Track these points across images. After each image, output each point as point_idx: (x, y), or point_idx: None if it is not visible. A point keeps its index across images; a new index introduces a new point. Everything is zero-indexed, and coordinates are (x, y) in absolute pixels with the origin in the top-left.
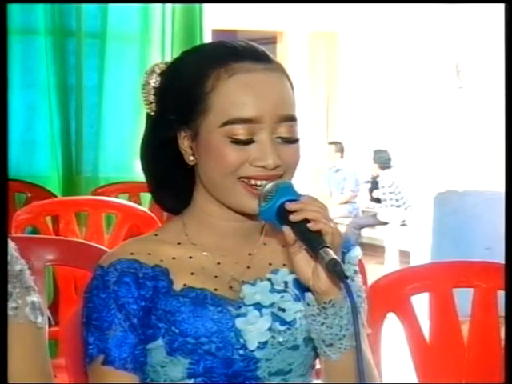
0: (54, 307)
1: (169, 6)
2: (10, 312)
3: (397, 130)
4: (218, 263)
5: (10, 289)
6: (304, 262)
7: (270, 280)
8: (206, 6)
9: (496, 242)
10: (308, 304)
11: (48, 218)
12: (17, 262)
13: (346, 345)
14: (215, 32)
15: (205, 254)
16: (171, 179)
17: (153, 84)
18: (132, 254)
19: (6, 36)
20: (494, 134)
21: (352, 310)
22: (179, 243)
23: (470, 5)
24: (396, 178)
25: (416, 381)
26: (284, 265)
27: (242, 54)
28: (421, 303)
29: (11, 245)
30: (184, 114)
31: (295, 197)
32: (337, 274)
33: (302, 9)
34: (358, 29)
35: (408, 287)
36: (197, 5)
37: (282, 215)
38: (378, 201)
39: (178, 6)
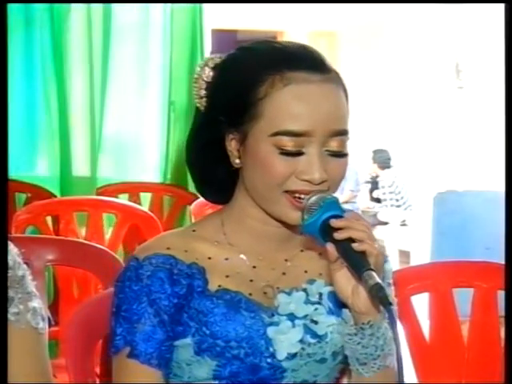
0: (54, 307)
1: (168, 5)
2: (11, 317)
3: (396, 129)
4: (254, 267)
5: (12, 294)
6: (344, 279)
7: (305, 290)
8: (206, 6)
9: (496, 242)
10: (345, 322)
11: (48, 218)
12: (19, 267)
13: (379, 364)
14: (215, 32)
15: (241, 256)
16: (215, 176)
17: (205, 78)
18: (168, 248)
19: (6, 36)
20: (493, 134)
21: (395, 338)
22: (217, 241)
23: (470, 5)
24: (396, 177)
25: (416, 381)
26: (320, 274)
27: (299, 62)
28: (421, 303)
29: (14, 250)
30: (234, 117)
31: (340, 212)
32: (380, 299)
33: (302, 8)
34: (358, 28)
35: (408, 287)
36: (197, 5)
37: (326, 231)
38: (378, 201)
39: (177, 6)
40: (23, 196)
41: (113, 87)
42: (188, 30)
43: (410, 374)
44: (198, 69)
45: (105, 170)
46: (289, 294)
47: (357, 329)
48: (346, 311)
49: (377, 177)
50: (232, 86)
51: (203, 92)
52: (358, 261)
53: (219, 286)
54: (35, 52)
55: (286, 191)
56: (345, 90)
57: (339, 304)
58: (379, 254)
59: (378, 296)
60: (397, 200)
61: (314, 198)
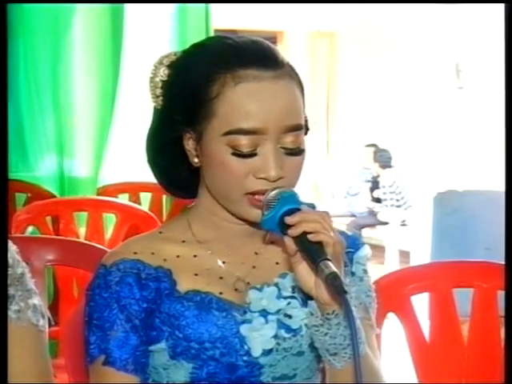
0: (54, 307)
1: (176, 5)
2: (13, 315)
3: (397, 129)
4: (224, 262)
5: (12, 292)
6: (306, 272)
7: (277, 285)
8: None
9: (496, 242)
10: (311, 313)
11: (48, 218)
12: (18, 265)
13: (350, 354)
14: (215, 32)
15: (209, 252)
16: (177, 175)
17: (160, 77)
18: (135, 253)
19: (6, 36)
20: (493, 133)
21: (350, 327)
22: (184, 241)
23: (470, 5)
24: (397, 177)
25: (416, 381)
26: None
27: (250, 59)
28: (421, 303)
29: (13, 248)
30: (189, 117)
31: (297, 205)
32: (335, 288)
33: (302, 8)
34: (358, 29)
35: (408, 287)
36: (204, 5)
37: (284, 226)
38: (378, 201)
39: (184, 6)
40: (23, 196)
41: (118, 88)
42: (195, 31)
43: (410, 374)
44: (153, 68)
45: (105, 171)
46: (260, 289)
47: (322, 319)
48: (311, 303)
49: (377, 176)
50: (185, 86)
51: (159, 91)
52: (314, 252)
53: (188, 286)
54: (38, 50)
55: (246, 194)
56: (299, 83)
57: (310, 297)
58: (336, 243)
59: (334, 285)
60: (397, 200)
61: (272, 194)
